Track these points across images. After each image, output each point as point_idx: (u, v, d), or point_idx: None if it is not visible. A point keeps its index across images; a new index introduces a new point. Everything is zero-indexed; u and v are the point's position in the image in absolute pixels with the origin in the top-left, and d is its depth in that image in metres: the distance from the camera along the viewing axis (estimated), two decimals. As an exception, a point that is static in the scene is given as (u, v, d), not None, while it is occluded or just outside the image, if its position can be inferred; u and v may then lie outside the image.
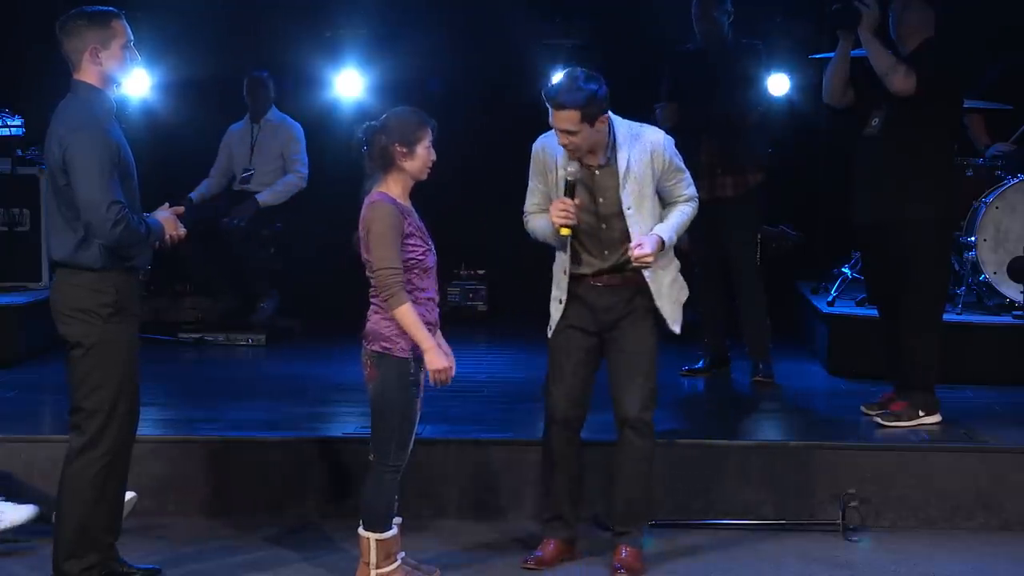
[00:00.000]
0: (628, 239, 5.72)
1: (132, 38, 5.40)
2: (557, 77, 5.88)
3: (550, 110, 5.64)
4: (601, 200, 5.77)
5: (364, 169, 5.58)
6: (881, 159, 6.96)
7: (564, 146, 5.68)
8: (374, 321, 5.52)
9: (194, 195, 9.89)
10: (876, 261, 7.24)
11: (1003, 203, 8.58)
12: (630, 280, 5.81)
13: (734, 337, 8.40)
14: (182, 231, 5.55)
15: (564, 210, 5.66)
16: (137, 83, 9.69)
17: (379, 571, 5.54)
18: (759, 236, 8.49)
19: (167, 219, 5.50)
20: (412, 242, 5.48)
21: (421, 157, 5.51)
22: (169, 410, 7.56)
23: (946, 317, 7.35)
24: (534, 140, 5.89)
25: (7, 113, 9.48)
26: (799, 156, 10.12)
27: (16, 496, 6.18)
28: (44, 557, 5.55)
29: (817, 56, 8.26)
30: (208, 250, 9.59)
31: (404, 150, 5.48)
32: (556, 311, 5.88)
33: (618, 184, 5.72)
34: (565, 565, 5.97)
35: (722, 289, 8.33)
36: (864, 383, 7.83)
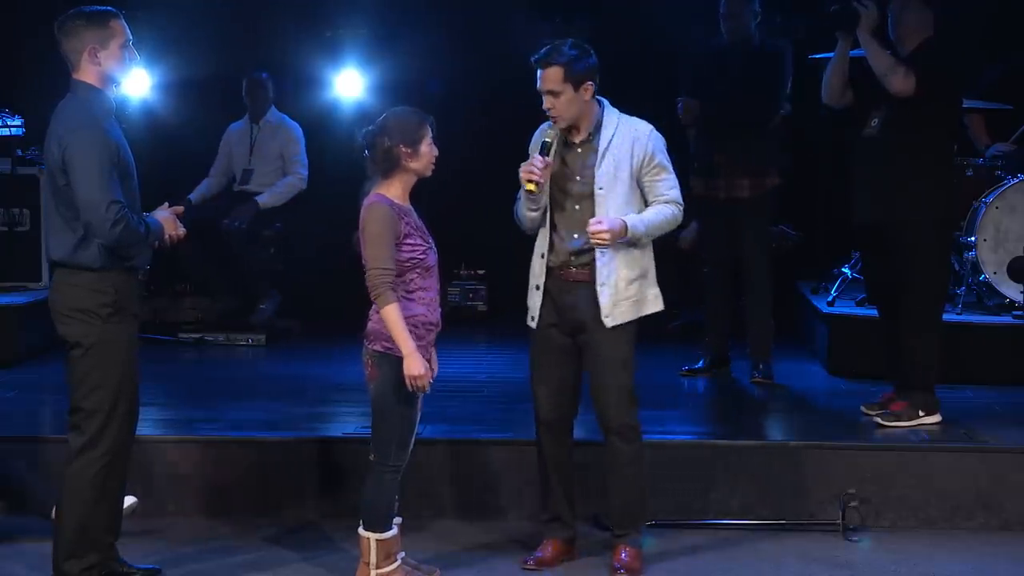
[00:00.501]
0: None
1: (131, 38, 5.40)
2: None
3: (537, 74, 5.65)
4: (578, 178, 5.74)
5: (365, 171, 5.57)
6: (880, 159, 6.96)
7: (548, 111, 5.67)
8: (375, 321, 5.50)
9: (194, 195, 9.87)
10: (876, 261, 7.24)
11: (1003, 203, 8.58)
12: (583, 274, 5.72)
13: (735, 337, 8.40)
14: (182, 231, 5.54)
15: (531, 166, 5.64)
16: (137, 83, 9.70)
17: (379, 571, 5.54)
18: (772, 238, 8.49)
19: (167, 219, 5.50)
20: (411, 241, 5.47)
21: (425, 155, 5.51)
22: (169, 410, 7.56)
23: (946, 317, 7.35)
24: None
25: (7, 113, 9.48)
26: (799, 156, 10.10)
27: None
28: (44, 557, 5.53)
29: (816, 56, 8.25)
30: (208, 250, 9.58)
31: (408, 150, 5.47)
32: (535, 300, 5.82)
33: (595, 163, 5.70)
34: (565, 565, 5.97)
35: (729, 289, 8.32)
36: (864, 383, 7.82)
